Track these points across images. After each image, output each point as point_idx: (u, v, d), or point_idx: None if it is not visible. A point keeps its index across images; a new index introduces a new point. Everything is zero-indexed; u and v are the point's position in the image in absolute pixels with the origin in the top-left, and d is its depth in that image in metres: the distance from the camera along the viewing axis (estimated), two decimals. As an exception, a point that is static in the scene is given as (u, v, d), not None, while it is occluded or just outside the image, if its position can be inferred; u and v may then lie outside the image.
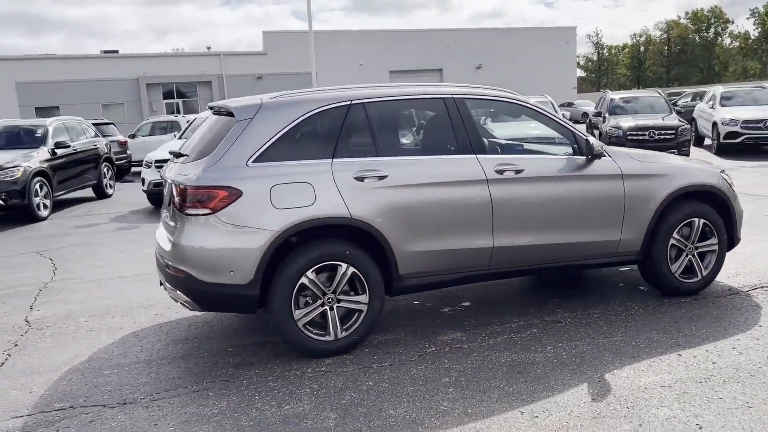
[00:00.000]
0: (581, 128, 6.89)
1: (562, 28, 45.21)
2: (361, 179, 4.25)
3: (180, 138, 12.51)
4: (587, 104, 38.68)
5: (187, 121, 15.48)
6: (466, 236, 4.50)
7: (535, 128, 6.34)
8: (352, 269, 4.19)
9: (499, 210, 4.54)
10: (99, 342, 4.83)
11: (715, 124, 15.86)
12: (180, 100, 40.45)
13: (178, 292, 4.19)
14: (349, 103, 4.43)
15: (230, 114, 4.37)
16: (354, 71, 40.66)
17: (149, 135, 19.99)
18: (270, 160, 4.15)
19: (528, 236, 4.65)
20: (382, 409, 3.55)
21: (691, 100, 23.86)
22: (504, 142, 6.39)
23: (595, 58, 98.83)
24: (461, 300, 5.41)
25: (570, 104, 39.44)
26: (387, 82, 6.71)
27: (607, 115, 16.16)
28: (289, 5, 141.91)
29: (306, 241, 4.18)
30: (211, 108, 4.91)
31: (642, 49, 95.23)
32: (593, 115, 17.84)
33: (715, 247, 5.15)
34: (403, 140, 5.02)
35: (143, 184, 11.32)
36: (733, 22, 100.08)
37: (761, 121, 14.90)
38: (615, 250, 4.91)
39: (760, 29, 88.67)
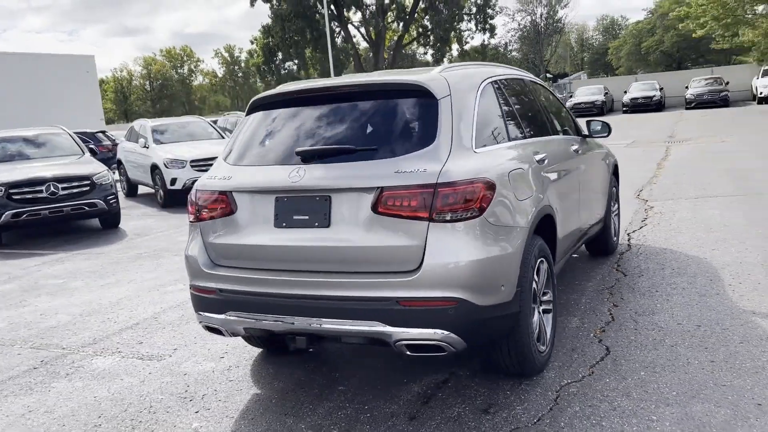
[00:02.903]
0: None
1: (81, 57, 41.95)
2: (542, 161, 3.89)
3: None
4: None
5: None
6: (576, 216, 4.57)
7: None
8: (545, 264, 3.80)
9: (581, 186, 4.75)
10: None
11: (155, 167, 12.72)
12: None
13: (426, 331, 3.02)
14: (498, 78, 3.99)
15: (411, 92, 3.38)
16: None
17: None
18: (482, 144, 3.42)
19: (584, 211, 4.96)
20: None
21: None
22: None
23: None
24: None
25: (102, 133, 36.95)
26: None
27: (151, 143, 13.43)
28: None
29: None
30: (355, 87, 3.64)
31: (125, 83, 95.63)
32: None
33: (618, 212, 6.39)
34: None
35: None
36: (203, 61, 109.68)
37: (212, 159, 11.55)
38: (602, 216, 5.62)
39: (224, 68, 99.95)
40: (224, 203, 3.53)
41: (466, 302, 3.01)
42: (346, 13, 56.02)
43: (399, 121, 3.37)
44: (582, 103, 32.39)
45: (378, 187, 3.10)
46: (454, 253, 3.01)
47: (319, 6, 54.45)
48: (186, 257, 3.77)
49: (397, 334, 3.05)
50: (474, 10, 55.90)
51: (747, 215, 7.34)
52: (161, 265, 7.47)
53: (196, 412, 3.64)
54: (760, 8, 32.63)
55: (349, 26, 56.78)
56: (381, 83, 3.58)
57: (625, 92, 33.35)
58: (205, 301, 3.62)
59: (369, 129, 3.41)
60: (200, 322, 3.73)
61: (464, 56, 57.58)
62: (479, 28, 56.50)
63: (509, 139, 3.78)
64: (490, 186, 3.14)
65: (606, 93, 33.79)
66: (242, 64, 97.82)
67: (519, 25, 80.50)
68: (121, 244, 9.25)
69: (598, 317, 4.55)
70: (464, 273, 3.01)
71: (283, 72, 58.37)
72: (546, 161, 4.01)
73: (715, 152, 13.62)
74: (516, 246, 3.29)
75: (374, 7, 55.00)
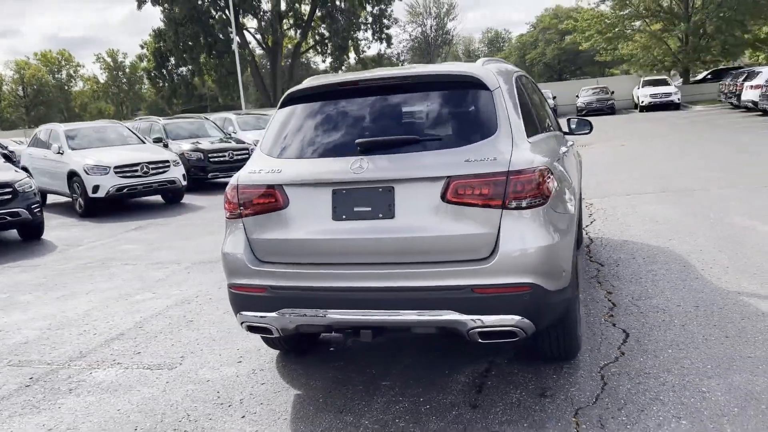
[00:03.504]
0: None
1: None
2: (565, 153, 4.10)
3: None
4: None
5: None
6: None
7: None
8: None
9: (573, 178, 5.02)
10: None
11: (74, 174, 11.82)
12: None
13: (502, 317, 3.09)
14: (519, 74, 4.14)
15: (464, 83, 3.45)
16: None
17: None
18: (529, 134, 3.54)
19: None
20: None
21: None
22: None
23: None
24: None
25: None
26: None
27: (66, 149, 12.43)
28: None
29: None
30: (406, 78, 3.63)
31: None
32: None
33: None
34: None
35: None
36: (83, 66, 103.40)
37: (137, 165, 11.92)
38: (580, 208, 5.93)
39: (107, 74, 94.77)
40: (274, 197, 3.41)
41: (539, 287, 3.10)
42: (241, 19, 55.00)
43: (457, 111, 3.42)
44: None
45: (446, 177, 3.12)
46: (526, 239, 3.09)
47: (212, 11, 53.19)
48: (224, 255, 3.60)
49: (472, 321, 3.08)
50: (370, 19, 56.60)
51: (682, 209, 7.96)
52: (116, 275, 7.03)
53: (242, 417, 3.49)
54: (636, 24, 35.40)
55: (246, 32, 55.79)
56: (432, 74, 3.60)
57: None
58: (250, 300, 3.48)
59: (427, 119, 3.43)
60: (242, 322, 3.57)
61: (362, 65, 58.09)
62: (376, 37, 57.28)
63: (540, 131, 3.92)
64: (551, 174, 3.25)
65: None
66: (127, 70, 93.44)
67: (410, 36, 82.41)
68: (55, 255, 8.59)
69: (600, 304, 4.79)
70: (537, 259, 3.09)
71: (176, 78, 56.29)
72: (564, 153, 4.19)
73: (622, 155, 14.62)
74: (571, 231, 3.43)
75: (270, 14, 54.37)
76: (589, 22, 35.99)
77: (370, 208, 3.24)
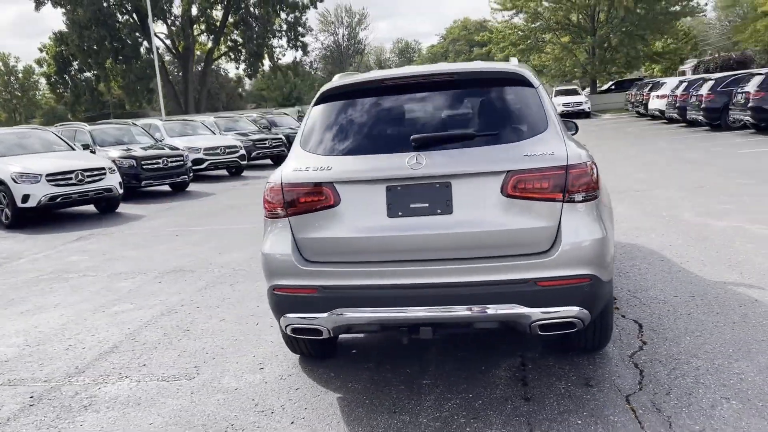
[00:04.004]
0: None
1: None
2: None
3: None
4: None
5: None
6: None
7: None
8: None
9: None
10: None
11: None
12: None
13: (564, 309, 3.16)
14: None
15: (509, 81, 3.51)
16: None
17: None
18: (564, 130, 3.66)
19: None
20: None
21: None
22: None
23: None
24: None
25: None
26: None
27: None
28: None
29: None
30: (449, 74, 3.61)
31: None
32: None
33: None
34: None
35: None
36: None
37: (71, 173, 11.18)
38: None
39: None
40: (323, 195, 3.33)
41: (596, 278, 3.19)
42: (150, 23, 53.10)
43: (507, 107, 3.46)
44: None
45: (506, 171, 3.16)
46: (585, 232, 3.17)
47: (118, 15, 51.07)
48: (266, 255, 3.46)
49: (537, 314, 3.12)
50: (285, 27, 56.17)
51: (638, 209, 8.40)
52: (80, 287, 6.59)
53: (292, 423, 3.38)
54: (547, 36, 37.08)
55: (156, 37, 53.89)
56: (478, 71, 3.63)
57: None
58: (297, 302, 3.37)
59: (477, 115, 3.46)
60: (286, 325, 3.44)
61: (278, 72, 57.53)
62: (291, 45, 56.90)
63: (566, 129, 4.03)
64: (597, 168, 3.36)
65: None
66: (20, 75, 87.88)
67: (322, 44, 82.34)
68: (-4, 268, 7.95)
69: (600, 297, 4.97)
70: (594, 251, 3.18)
71: (80, 83, 53.54)
72: None
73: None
74: (613, 223, 3.55)
75: (181, 19, 52.82)
76: (504, 33, 37.35)
77: (427, 204, 3.23)
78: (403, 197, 3.25)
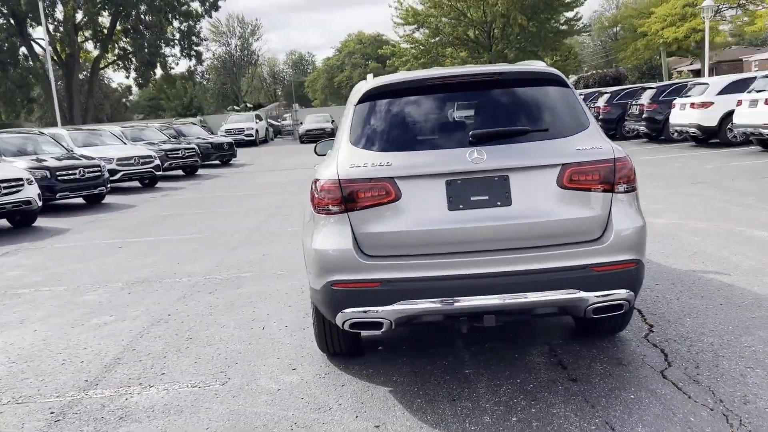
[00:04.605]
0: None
1: None
2: None
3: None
4: None
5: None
6: None
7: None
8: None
9: None
10: None
11: None
12: None
13: (616, 292, 3.41)
14: None
15: (547, 81, 3.74)
16: None
17: None
18: None
19: None
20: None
21: None
22: None
23: None
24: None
25: None
26: None
27: None
28: None
29: None
30: (499, 74, 3.77)
31: None
32: None
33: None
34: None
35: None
36: None
37: None
38: None
39: None
40: (385, 190, 3.38)
41: (640, 262, 3.46)
42: (29, 29, 49.77)
43: (550, 105, 3.66)
44: (313, 129, 34.13)
45: (561, 164, 3.37)
46: (630, 220, 3.44)
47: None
48: (322, 252, 3.45)
49: (592, 298, 3.34)
50: (178, 35, 54.51)
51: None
52: (39, 302, 6.15)
53: (356, 417, 3.39)
54: (447, 51, 38.38)
55: (35, 44, 50.53)
56: (519, 71, 3.80)
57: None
58: (359, 296, 3.39)
59: (525, 112, 3.63)
60: (344, 320, 3.45)
61: (176, 82, 55.65)
62: (184, 54, 55.28)
63: None
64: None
65: (332, 121, 36.03)
66: None
67: (214, 54, 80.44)
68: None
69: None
70: (639, 237, 3.45)
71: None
72: None
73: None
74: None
75: (65, 25, 49.92)
76: (406, 48, 38.32)
77: (487, 197, 3.37)
78: (463, 190, 3.37)
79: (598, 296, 3.35)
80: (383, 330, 3.46)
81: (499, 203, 3.37)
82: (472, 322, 3.48)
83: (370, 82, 3.83)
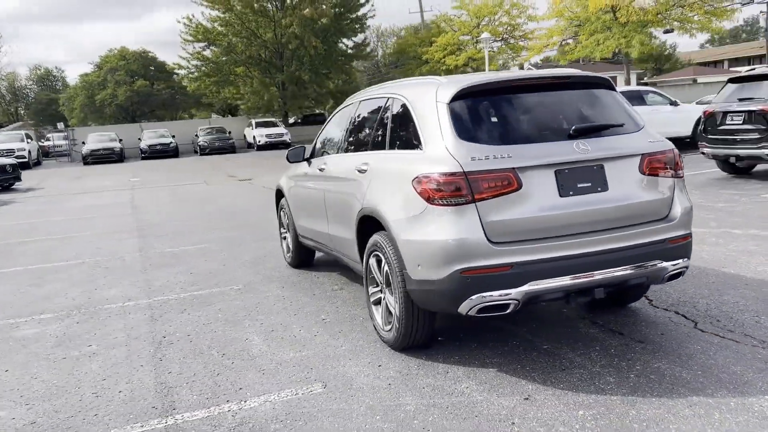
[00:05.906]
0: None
1: None
2: None
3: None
4: None
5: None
6: None
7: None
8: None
9: None
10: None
11: None
12: None
13: (682, 261, 4.07)
14: None
15: (601, 85, 4.29)
16: None
17: None
18: None
19: None
20: None
21: None
22: None
23: None
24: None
25: None
26: None
27: None
28: None
29: None
30: (560, 78, 4.26)
31: None
32: None
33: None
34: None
35: None
36: None
37: None
38: None
39: None
40: (510, 180, 3.63)
41: (691, 236, 4.16)
42: None
43: (615, 104, 4.19)
44: (101, 149, 31.33)
45: (641, 154, 3.94)
46: (685, 200, 4.13)
47: None
48: (447, 242, 3.59)
49: (670, 267, 3.95)
50: None
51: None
52: (7, 335, 5.11)
53: (526, 399, 3.56)
54: (239, 70, 37.93)
55: None
56: (584, 75, 4.26)
57: (140, 139, 33.87)
58: (490, 281, 3.58)
59: (602, 110, 4.11)
60: (472, 306, 3.61)
61: None
62: None
63: None
64: None
65: (120, 140, 33.32)
66: None
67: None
68: None
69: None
70: (690, 214, 4.15)
71: None
72: None
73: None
74: None
75: None
76: (197, 65, 37.11)
77: (589, 184, 3.80)
78: (570, 179, 3.77)
79: (674, 265, 3.96)
80: (509, 311, 3.68)
81: (599, 189, 3.82)
82: (579, 297, 3.87)
83: (459, 83, 4.02)
